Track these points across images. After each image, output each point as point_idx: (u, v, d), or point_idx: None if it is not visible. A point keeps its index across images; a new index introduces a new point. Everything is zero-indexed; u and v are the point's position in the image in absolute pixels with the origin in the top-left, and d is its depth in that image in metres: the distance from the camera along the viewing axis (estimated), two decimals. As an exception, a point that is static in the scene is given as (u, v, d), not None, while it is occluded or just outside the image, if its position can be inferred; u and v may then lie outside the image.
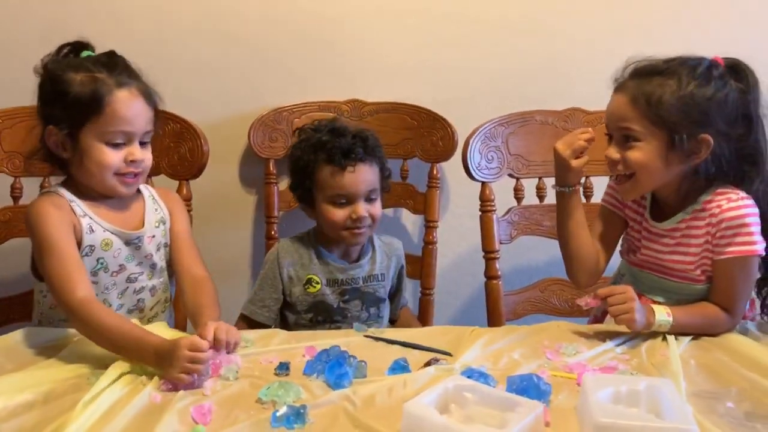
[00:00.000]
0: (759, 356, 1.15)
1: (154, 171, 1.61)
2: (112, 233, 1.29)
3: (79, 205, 1.26)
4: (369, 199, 1.44)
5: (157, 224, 1.36)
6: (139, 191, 1.37)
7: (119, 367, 1.06)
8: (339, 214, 1.41)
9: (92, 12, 1.74)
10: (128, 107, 1.23)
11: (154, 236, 1.35)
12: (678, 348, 1.17)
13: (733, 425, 0.93)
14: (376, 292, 1.50)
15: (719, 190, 1.25)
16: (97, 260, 1.28)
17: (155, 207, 1.38)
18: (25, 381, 1.04)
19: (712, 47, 1.27)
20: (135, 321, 1.20)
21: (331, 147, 1.41)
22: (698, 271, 1.27)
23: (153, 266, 1.36)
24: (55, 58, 1.26)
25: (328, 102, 1.83)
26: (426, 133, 1.78)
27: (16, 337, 1.22)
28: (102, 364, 1.08)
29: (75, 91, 1.21)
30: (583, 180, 1.71)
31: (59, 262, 1.19)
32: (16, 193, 1.58)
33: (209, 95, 1.81)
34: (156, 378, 1.04)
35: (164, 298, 1.42)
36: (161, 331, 1.19)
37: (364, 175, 1.42)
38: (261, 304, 1.45)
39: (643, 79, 1.23)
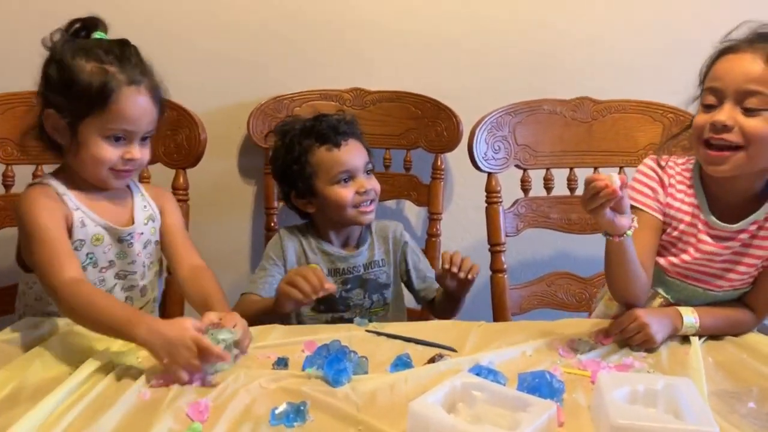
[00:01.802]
0: (778, 354, 1.11)
1: (151, 160, 1.56)
2: (103, 228, 1.25)
3: (72, 198, 1.22)
4: (367, 173, 1.44)
5: (146, 221, 1.32)
6: (128, 186, 1.33)
7: (94, 363, 1.03)
8: (345, 192, 1.40)
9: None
10: (134, 107, 1.18)
11: (142, 233, 1.31)
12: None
13: (756, 426, 0.89)
14: (378, 279, 1.47)
15: None
16: (87, 255, 1.24)
17: (144, 204, 1.33)
18: (7, 377, 1.00)
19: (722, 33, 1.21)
20: None
21: (320, 129, 1.42)
22: (752, 278, 1.21)
23: (143, 264, 1.32)
24: (65, 38, 1.20)
25: (329, 90, 1.78)
26: (430, 123, 1.73)
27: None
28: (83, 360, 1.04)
29: (83, 81, 1.15)
30: (591, 171, 1.66)
31: (49, 247, 1.15)
32: (8, 181, 1.54)
33: (208, 83, 1.77)
34: (144, 375, 0.99)
35: (152, 297, 1.38)
36: None
37: (357, 149, 1.44)
38: (263, 281, 1.41)
39: None
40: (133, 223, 1.29)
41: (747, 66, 1.09)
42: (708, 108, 1.13)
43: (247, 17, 1.75)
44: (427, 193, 1.74)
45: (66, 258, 1.14)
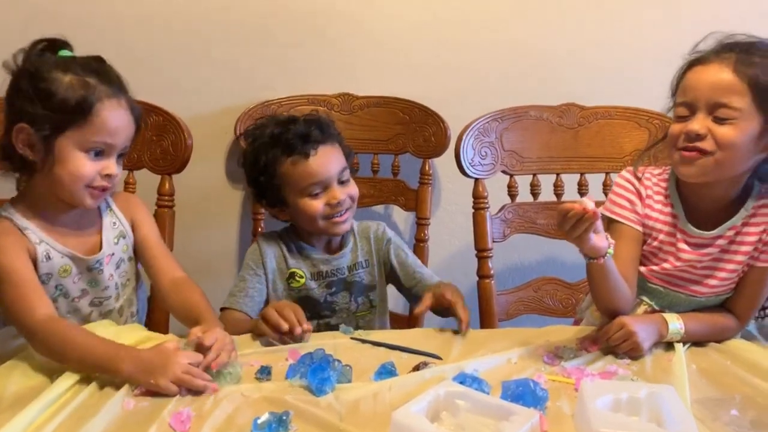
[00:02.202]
0: (762, 361, 1.12)
1: (136, 165, 1.56)
2: (69, 258, 1.20)
3: (34, 231, 1.17)
4: (342, 182, 1.37)
5: (116, 240, 1.28)
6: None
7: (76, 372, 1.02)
8: (316, 205, 1.35)
9: (75, 4, 1.69)
10: (116, 119, 1.15)
11: (113, 254, 1.27)
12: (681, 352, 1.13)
13: (738, 434, 0.89)
14: (362, 280, 1.44)
15: None
16: (56, 287, 1.20)
17: (113, 221, 1.29)
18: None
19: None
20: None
21: (286, 137, 1.35)
22: (734, 283, 1.22)
23: (116, 287, 1.28)
24: (33, 54, 1.16)
25: (317, 95, 1.78)
26: (418, 129, 1.73)
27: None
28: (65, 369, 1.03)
29: (62, 93, 1.11)
30: (578, 177, 1.67)
31: (14, 287, 1.11)
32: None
33: (195, 87, 1.77)
34: (127, 385, 0.99)
35: (130, 313, 1.35)
36: (136, 333, 1.14)
37: (329, 157, 1.36)
38: (243, 294, 1.38)
39: (743, 55, 1.11)
40: (100, 248, 1.24)
41: (715, 77, 1.11)
42: (681, 118, 1.15)
43: (234, 21, 1.74)
44: (414, 199, 1.74)
45: (35, 296, 1.11)
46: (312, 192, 1.34)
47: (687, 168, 1.15)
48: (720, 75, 1.11)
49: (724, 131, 1.10)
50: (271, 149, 1.36)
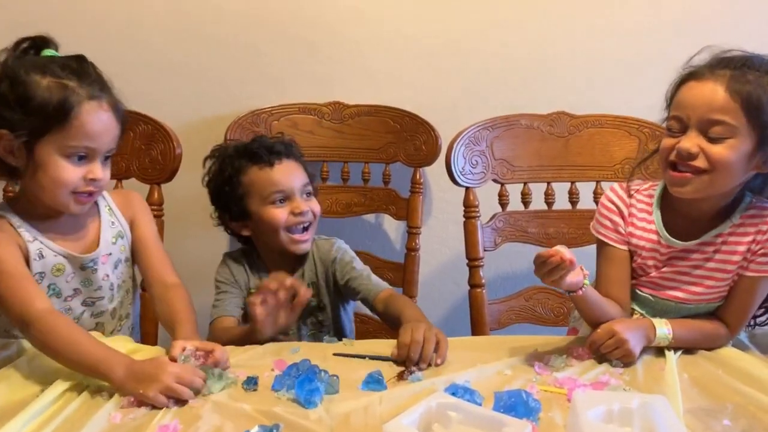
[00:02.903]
0: (753, 370, 1.11)
1: (125, 174, 1.55)
2: (64, 257, 1.19)
3: (28, 230, 1.16)
4: (305, 195, 1.40)
5: (114, 240, 1.26)
6: (96, 203, 1.26)
7: (63, 384, 1.01)
8: (279, 213, 1.36)
9: (63, 8, 1.68)
10: (97, 122, 1.11)
11: (110, 254, 1.25)
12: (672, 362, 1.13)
13: (730, 444, 0.89)
14: (309, 303, 1.37)
15: (761, 204, 1.18)
16: (49, 286, 1.18)
17: (112, 220, 1.27)
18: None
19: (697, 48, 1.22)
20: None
21: (253, 148, 1.40)
22: (723, 292, 1.22)
23: (111, 287, 1.27)
24: (14, 55, 1.13)
25: (307, 104, 1.78)
26: (409, 137, 1.73)
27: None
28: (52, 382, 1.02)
29: (41, 97, 1.07)
30: (568, 186, 1.67)
31: (11, 279, 1.09)
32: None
33: (185, 96, 1.76)
34: (115, 396, 0.98)
35: (124, 314, 1.33)
36: (123, 344, 1.13)
37: (293, 170, 1.40)
38: (226, 302, 1.40)
39: (738, 71, 1.10)
40: (97, 246, 1.23)
41: (709, 95, 1.10)
42: (673, 133, 1.15)
43: (225, 31, 1.74)
44: (405, 207, 1.74)
45: (33, 289, 1.10)
46: (275, 200, 1.37)
47: (680, 188, 1.15)
48: (713, 93, 1.10)
49: (717, 150, 1.10)
50: (236, 159, 1.40)
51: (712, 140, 1.10)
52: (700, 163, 1.11)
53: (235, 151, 1.42)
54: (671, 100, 1.17)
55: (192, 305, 1.23)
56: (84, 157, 1.13)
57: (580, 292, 1.13)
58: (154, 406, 0.96)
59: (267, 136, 1.45)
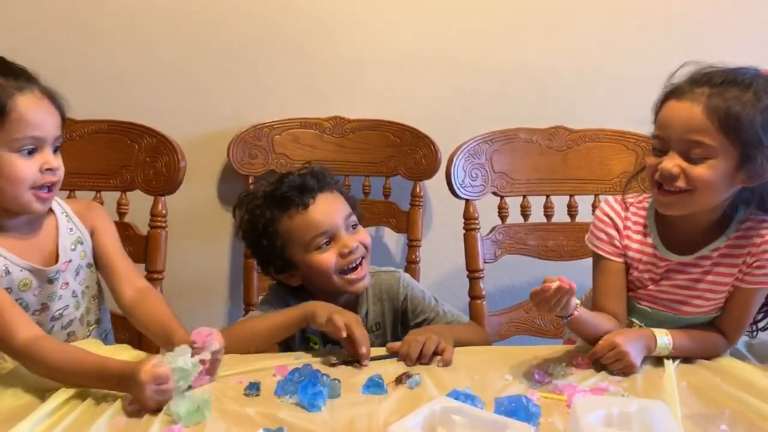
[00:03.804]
0: (751, 377, 1.12)
1: (129, 186, 1.56)
2: (29, 271, 1.17)
3: None
4: (350, 228, 1.28)
5: (73, 246, 1.24)
6: (51, 209, 1.23)
7: (67, 390, 1.01)
8: (327, 258, 1.23)
9: (71, 26, 1.71)
10: (34, 111, 1.11)
11: (70, 260, 1.23)
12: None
13: (728, 449, 0.90)
14: (372, 344, 1.19)
15: (756, 217, 1.19)
16: (16, 300, 1.16)
17: (70, 227, 1.25)
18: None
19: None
20: None
21: (281, 192, 1.26)
22: (720, 303, 1.23)
23: (74, 294, 1.25)
24: None
25: (309, 119, 1.81)
26: (409, 151, 1.76)
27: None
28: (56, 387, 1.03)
29: None
30: (567, 199, 1.69)
31: None
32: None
33: (189, 111, 1.79)
34: (118, 401, 0.99)
35: (93, 320, 1.31)
36: (95, 346, 1.15)
37: (331, 204, 1.26)
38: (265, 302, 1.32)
39: (717, 88, 1.09)
40: (56, 255, 1.21)
41: (686, 116, 1.10)
42: (658, 152, 1.16)
43: (228, 47, 1.77)
44: (406, 220, 1.76)
45: (12, 317, 1.07)
46: (319, 244, 1.24)
47: (666, 207, 1.17)
48: (690, 114, 1.09)
49: (698, 171, 1.10)
50: (267, 209, 1.26)
51: (693, 161, 1.10)
52: (682, 183, 1.12)
53: (264, 198, 1.27)
54: (656, 117, 1.18)
55: (169, 306, 1.23)
56: (33, 150, 1.13)
57: (576, 314, 1.13)
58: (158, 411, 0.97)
59: (294, 173, 1.29)
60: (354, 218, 1.29)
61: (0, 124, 1.09)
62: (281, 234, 1.25)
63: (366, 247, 1.27)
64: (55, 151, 1.16)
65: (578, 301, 1.13)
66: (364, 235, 1.29)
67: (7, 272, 1.15)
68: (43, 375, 1.05)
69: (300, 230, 1.24)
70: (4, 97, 1.09)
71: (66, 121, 1.20)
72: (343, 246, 1.24)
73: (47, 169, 1.14)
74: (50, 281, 1.20)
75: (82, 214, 1.27)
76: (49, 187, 1.16)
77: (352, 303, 1.32)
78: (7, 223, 1.17)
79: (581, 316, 1.15)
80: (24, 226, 1.19)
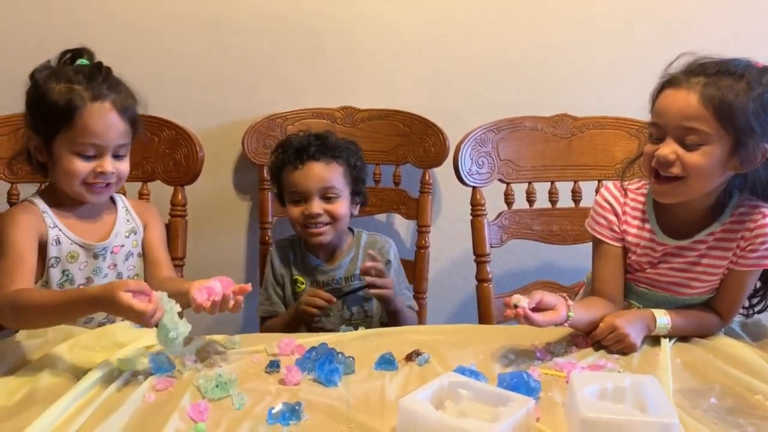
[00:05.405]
0: (742, 354, 1.18)
1: (150, 177, 1.63)
2: (79, 245, 1.31)
3: (51, 216, 1.29)
4: (326, 198, 1.50)
5: (127, 234, 1.39)
6: (114, 203, 1.40)
7: (100, 371, 1.07)
8: (294, 211, 1.51)
9: (89, 20, 1.76)
10: (99, 121, 1.24)
11: (123, 245, 1.37)
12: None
13: (716, 420, 0.96)
14: (356, 292, 1.52)
15: (749, 203, 1.24)
16: (63, 272, 1.30)
17: (127, 218, 1.40)
18: (20, 382, 1.06)
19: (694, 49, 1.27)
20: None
21: (287, 146, 1.53)
22: (716, 285, 1.28)
23: (119, 276, 1.37)
24: (45, 65, 1.28)
25: (321, 109, 1.85)
26: (418, 140, 1.80)
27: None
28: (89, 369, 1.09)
29: (51, 100, 1.23)
30: (571, 185, 1.74)
31: (11, 261, 1.22)
32: (13, 199, 1.59)
33: (204, 103, 1.83)
34: (150, 379, 1.06)
35: None
36: (124, 331, 1.22)
37: (316, 172, 1.49)
38: (265, 299, 1.57)
39: (711, 78, 1.14)
40: (109, 237, 1.35)
41: (682, 103, 1.15)
42: (654, 139, 1.21)
43: (242, 41, 1.81)
44: (415, 207, 1.81)
45: (20, 274, 1.20)
46: (293, 199, 1.52)
47: (662, 196, 1.23)
48: (686, 101, 1.14)
49: (693, 158, 1.15)
50: (279, 154, 1.55)
51: (688, 147, 1.15)
52: (677, 169, 1.17)
53: (280, 144, 1.58)
54: (653, 105, 1.23)
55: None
56: (93, 156, 1.26)
57: (566, 325, 1.18)
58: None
59: (313, 133, 1.55)
60: (336, 191, 1.51)
61: (67, 127, 1.23)
62: (280, 177, 1.55)
63: (333, 217, 1.50)
64: (117, 156, 1.29)
65: (571, 314, 1.15)
66: (337, 207, 1.50)
67: (58, 242, 1.29)
68: (22, 320, 1.16)
69: (286, 181, 1.53)
70: (77, 104, 1.23)
71: (137, 129, 1.33)
72: (307, 208, 1.49)
73: (100, 173, 1.26)
74: (95, 256, 1.33)
75: (140, 211, 1.44)
76: (106, 184, 1.29)
77: (342, 248, 1.58)
78: (71, 205, 1.32)
79: (575, 322, 1.18)
80: (85, 210, 1.34)
